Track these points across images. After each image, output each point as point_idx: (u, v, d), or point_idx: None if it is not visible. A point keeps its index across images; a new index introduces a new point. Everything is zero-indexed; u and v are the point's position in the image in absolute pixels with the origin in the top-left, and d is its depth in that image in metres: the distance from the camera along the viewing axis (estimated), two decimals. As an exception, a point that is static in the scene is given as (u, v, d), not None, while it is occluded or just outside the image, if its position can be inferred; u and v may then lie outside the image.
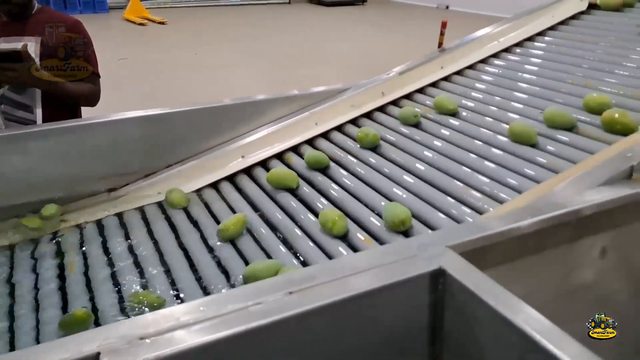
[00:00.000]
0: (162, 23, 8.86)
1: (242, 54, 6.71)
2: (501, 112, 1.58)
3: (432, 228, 1.19)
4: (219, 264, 1.22)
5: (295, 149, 1.66)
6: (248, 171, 1.60)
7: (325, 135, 1.70)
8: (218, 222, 1.35)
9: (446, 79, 1.89)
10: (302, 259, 1.20)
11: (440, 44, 2.97)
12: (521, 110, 1.56)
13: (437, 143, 1.50)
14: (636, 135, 1.14)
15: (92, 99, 1.80)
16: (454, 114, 1.62)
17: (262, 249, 1.24)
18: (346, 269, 0.75)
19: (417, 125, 1.62)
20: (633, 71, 1.63)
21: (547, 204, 0.96)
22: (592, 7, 2.17)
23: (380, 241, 1.19)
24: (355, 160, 1.52)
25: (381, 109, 1.78)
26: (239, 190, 1.53)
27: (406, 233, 1.18)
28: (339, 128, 1.72)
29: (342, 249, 1.18)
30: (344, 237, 1.22)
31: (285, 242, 1.26)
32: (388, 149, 1.54)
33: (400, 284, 0.75)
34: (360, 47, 7.19)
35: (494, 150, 1.41)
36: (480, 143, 1.45)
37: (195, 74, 5.72)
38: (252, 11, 10.24)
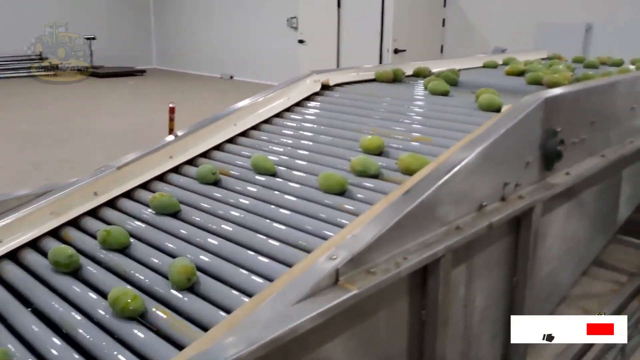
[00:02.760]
0: None
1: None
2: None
3: (226, 283, 1.15)
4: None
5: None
6: None
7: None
8: None
9: (177, 169, 1.71)
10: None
11: (170, 130, 2.83)
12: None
13: (244, 200, 1.47)
14: (339, 235, 1.08)
15: None
16: (273, 174, 1.58)
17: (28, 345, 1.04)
18: None
19: (216, 184, 1.57)
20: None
21: (237, 339, 0.80)
22: (325, 87, 2.27)
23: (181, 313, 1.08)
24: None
25: (93, 212, 1.50)
26: None
27: (192, 289, 1.13)
28: (31, 244, 1.37)
29: (138, 331, 1.04)
30: (142, 316, 1.08)
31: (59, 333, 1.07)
32: (189, 212, 1.45)
33: None
34: (136, 121, 6.77)
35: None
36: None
37: None
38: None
